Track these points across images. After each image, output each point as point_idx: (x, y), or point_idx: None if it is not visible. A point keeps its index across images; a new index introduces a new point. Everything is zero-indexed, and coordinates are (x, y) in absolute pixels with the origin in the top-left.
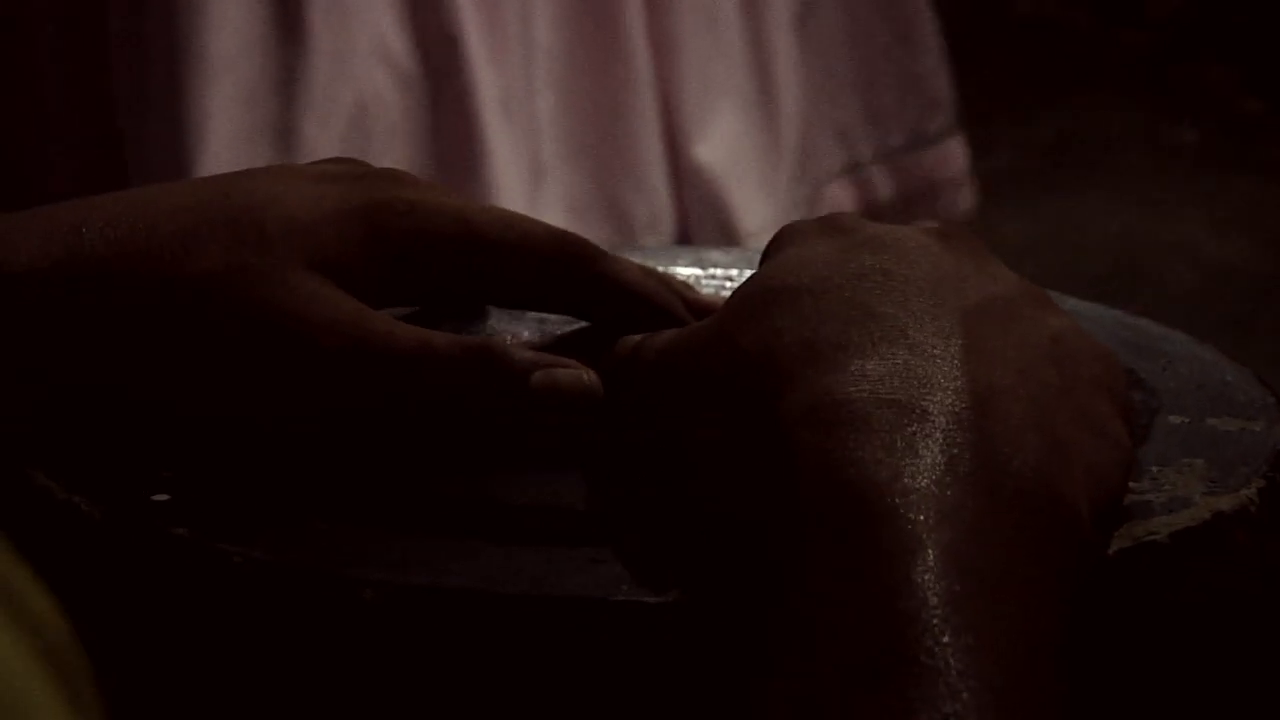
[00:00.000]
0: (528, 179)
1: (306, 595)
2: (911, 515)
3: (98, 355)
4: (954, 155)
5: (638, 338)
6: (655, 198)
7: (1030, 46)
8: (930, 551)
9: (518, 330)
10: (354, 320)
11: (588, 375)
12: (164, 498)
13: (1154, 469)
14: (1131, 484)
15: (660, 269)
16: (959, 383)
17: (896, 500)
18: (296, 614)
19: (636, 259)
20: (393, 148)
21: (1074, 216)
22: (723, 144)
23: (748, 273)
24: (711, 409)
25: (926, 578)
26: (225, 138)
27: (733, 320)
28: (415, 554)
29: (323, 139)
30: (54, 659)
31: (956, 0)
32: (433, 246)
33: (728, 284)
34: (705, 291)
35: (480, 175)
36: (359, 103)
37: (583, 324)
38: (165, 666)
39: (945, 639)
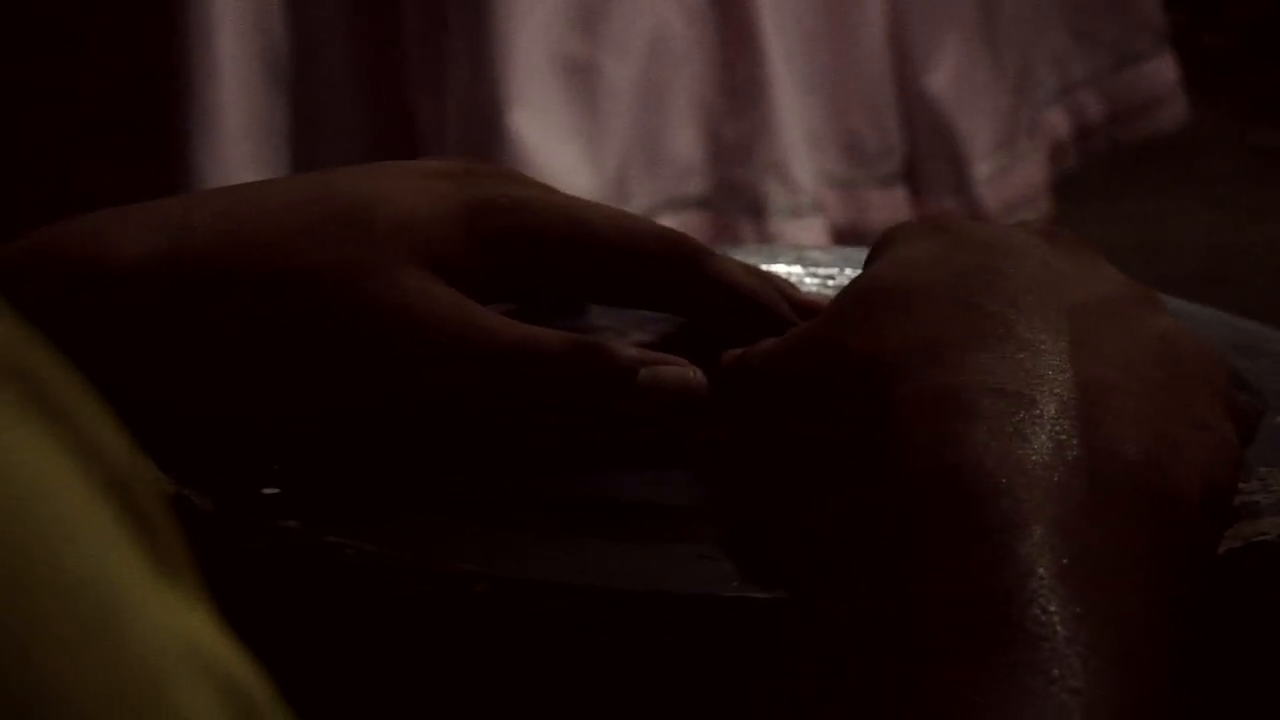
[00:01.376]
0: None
1: (418, 588)
2: (1018, 494)
3: (205, 350)
4: (1161, 72)
5: (740, 350)
6: (886, 127)
7: None
8: (1037, 527)
9: (619, 328)
10: (460, 316)
11: (693, 372)
12: (273, 491)
13: (1261, 470)
14: (1240, 485)
15: (762, 268)
16: (1067, 375)
17: (1004, 480)
18: (408, 607)
19: (739, 257)
20: (682, 77)
21: (1158, 220)
22: (950, 74)
23: (849, 271)
24: (820, 408)
25: (1033, 551)
26: (526, 70)
27: (841, 321)
28: (524, 549)
29: (621, 72)
30: (111, 477)
31: None
32: (538, 243)
33: (829, 283)
34: (807, 290)
35: (764, 102)
36: (654, 36)
37: (685, 322)
38: (274, 658)
39: (1052, 608)
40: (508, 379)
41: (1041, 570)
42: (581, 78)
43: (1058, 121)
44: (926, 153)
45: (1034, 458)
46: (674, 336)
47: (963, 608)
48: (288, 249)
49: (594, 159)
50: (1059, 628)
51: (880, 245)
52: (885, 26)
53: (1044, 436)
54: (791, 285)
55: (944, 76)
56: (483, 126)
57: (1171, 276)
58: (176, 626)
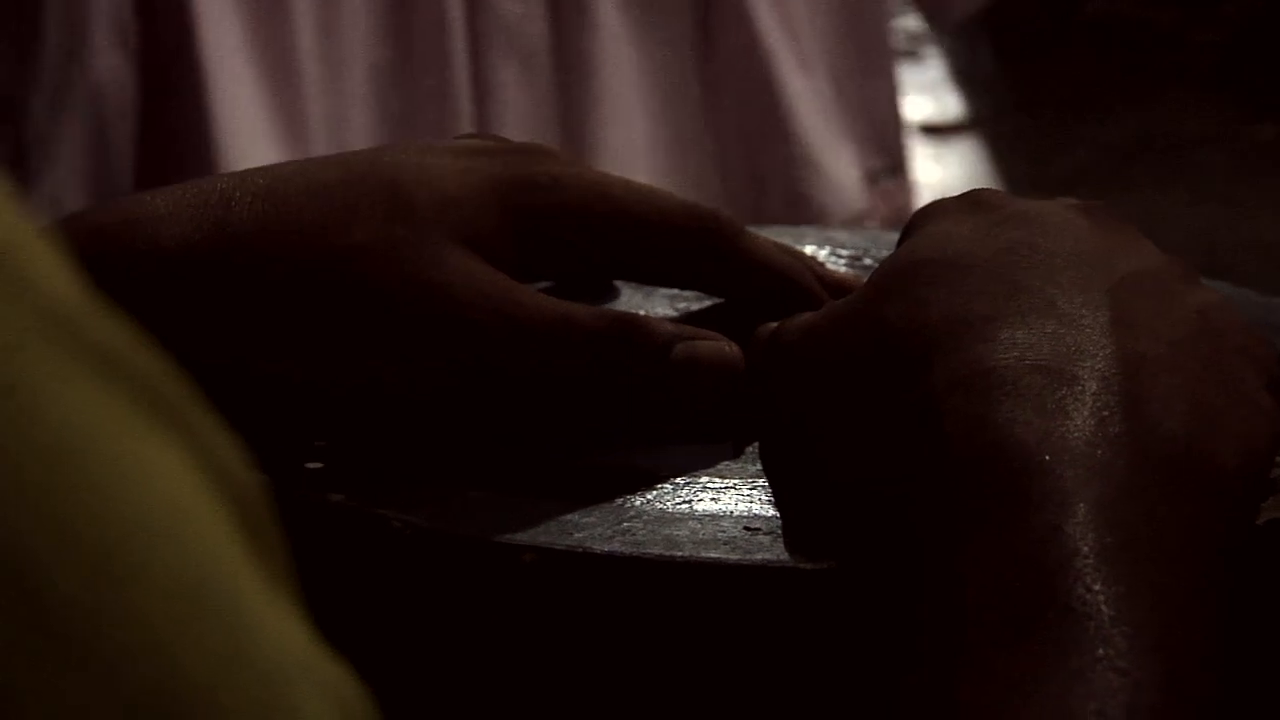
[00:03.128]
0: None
1: (466, 559)
2: (1061, 471)
3: (248, 328)
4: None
5: (776, 323)
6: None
7: (1105, 45)
8: (1080, 505)
9: (651, 308)
10: (501, 293)
11: (729, 347)
12: (317, 466)
13: None
14: (1277, 458)
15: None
16: (1108, 350)
17: (1047, 457)
18: (455, 578)
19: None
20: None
21: (1152, 215)
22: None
23: (875, 251)
24: (859, 383)
25: (1077, 529)
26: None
27: (878, 296)
28: (569, 520)
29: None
30: (228, 489)
31: (1031, 1)
32: (574, 220)
33: (854, 264)
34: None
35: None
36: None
37: (714, 302)
38: (322, 632)
39: (1096, 587)
40: (548, 355)
41: (1086, 549)
42: None
43: None
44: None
45: (1076, 435)
46: (703, 315)
47: (1008, 587)
48: (329, 228)
49: None
50: (1104, 607)
51: (917, 220)
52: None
53: (1086, 413)
54: (820, 263)
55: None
56: None
57: None
58: (293, 638)
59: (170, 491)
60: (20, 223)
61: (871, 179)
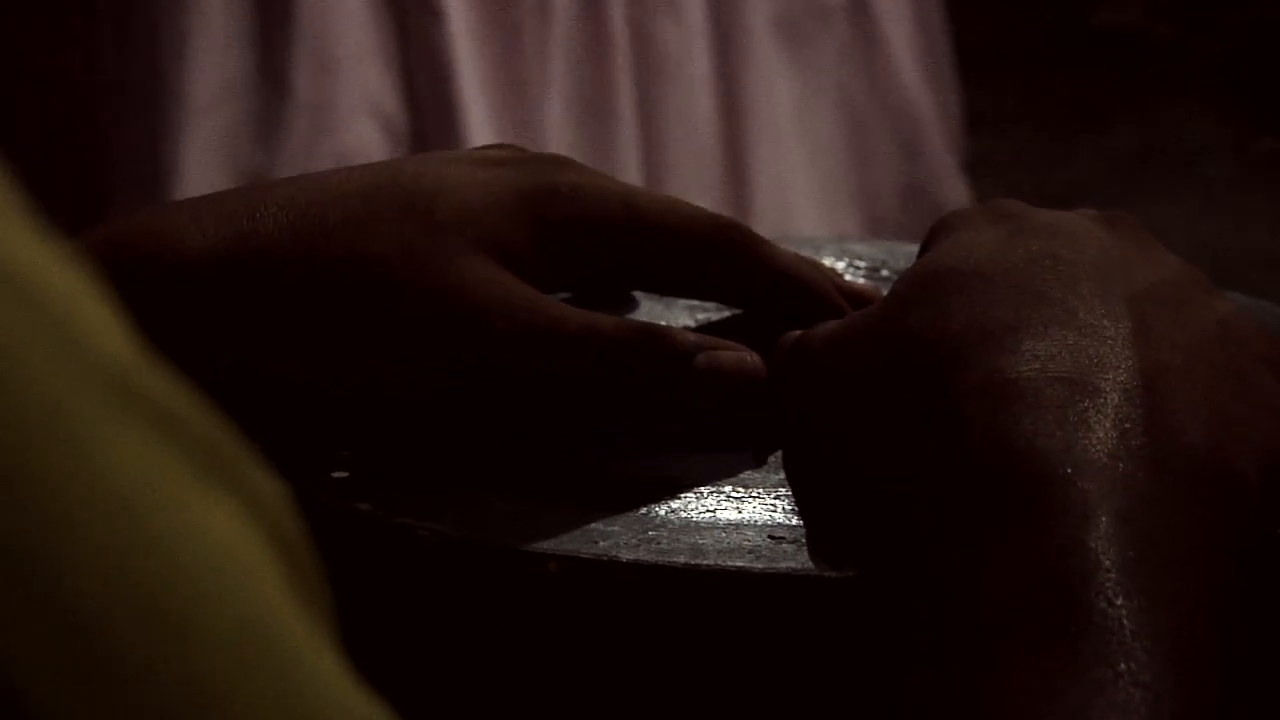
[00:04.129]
0: None
1: (491, 568)
2: (1083, 483)
3: (271, 337)
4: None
5: (799, 332)
6: None
7: (1109, 56)
8: (1103, 517)
9: (671, 318)
10: (523, 303)
11: (751, 357)
12: (343, 475)
13: None
14: None
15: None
16: (1130, 362)
17: (1069, 469)
18: (481, 586)
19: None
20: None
21: (1155, 226)
22: None
23: (892, 263)
24: (881, 393)
25: (1099, 542)
26: (200, 182)
27: (901, 305)
28: (594, 529)
29: None
30: (280, 542)
31: (1035, 11)
32: (596, 230)
33: (873, 275)
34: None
35: None
36: (341, 154)
37: (732, 313)
38: (348, 639)
39: (1118, 601)
40: (571, 364)
41: (1108, 562)
42: None
43: None
44: None
45: (1098, 446)
46: (723, 326)
47: (1030, 599)
48: (352, 238)
49: None
50: (1125, 620)
51: (938, 230)
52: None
53: (1108, 425)
54: (839, 274)
55: None
56: None
57: None
58: (341, 684)
59: (224, 544)
60: (77, 279)
61: None
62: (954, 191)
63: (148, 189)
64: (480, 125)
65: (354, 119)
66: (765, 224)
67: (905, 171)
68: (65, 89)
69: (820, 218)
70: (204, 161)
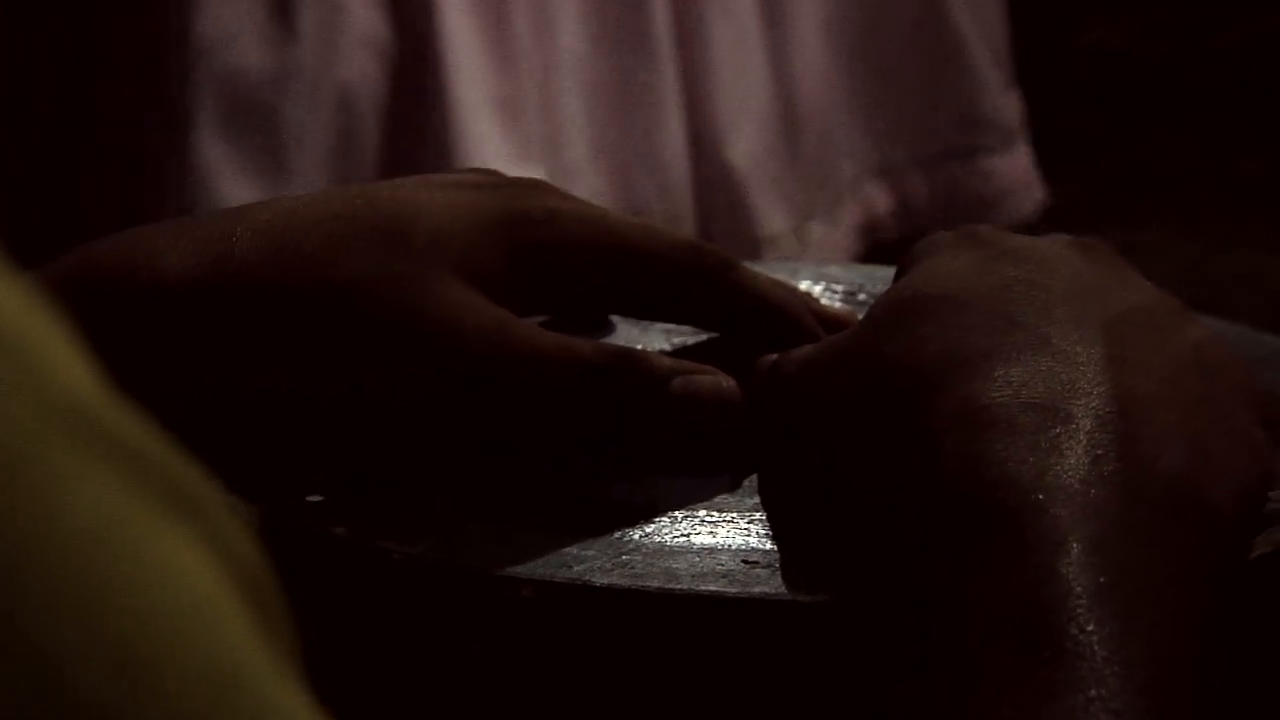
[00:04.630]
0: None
1: (465, 592)
2: (1055, 510)
3: (248, 361)
4: (998, 171)
5: (774, 356)
6: (678, 199)
7: (1095, 77)
8: (1075, 544)
9: (647, 342)
10: (499, 326)
11: (726, 381)
12: (318, 499)
13: None
14: (1269, 493)
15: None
16: (1103, 388)
17: (1041, 496)
18: (455, 611)
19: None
20: (377, 133)
21: (1141, 248)
22: (748, 149)
23: (869, 287)
24: (857, 418)
25: (1071, 569)
26: (211, 125)
27: (876, 331)
28: (567, 553)
29: (310, 122)
30: (244, 578)
31: (1021, 31)
32: (571, 253)
33: (849, 299)
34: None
35: (551, 164)
36: (344, 88)
37: (708, 338)
38: (323, 663)
39: (1090, 627)
40: (546, 388)
41: (1079, 589)
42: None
43: (878, 200)
44: (717, 226)
45: (1070, 473)
46: (699, 350)
47: (1003, 626)
48: (329, 262)
49: None
50: (1097, 647)
51: (913, 256)
52: (682, 96)
53: (1080, 451)
54: (814, 298)
55: (742, 151)
56: None
57: None
58: (305, 717)
59: (191, 583)
60: (36, 315)
61: None
62: (1006, 109)
63: (158, 132)
64: (475, 64)
65: (355, 53)
66: (807, 159)
67: (953, 91)
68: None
69: (868, 146)
70: (214, 105)
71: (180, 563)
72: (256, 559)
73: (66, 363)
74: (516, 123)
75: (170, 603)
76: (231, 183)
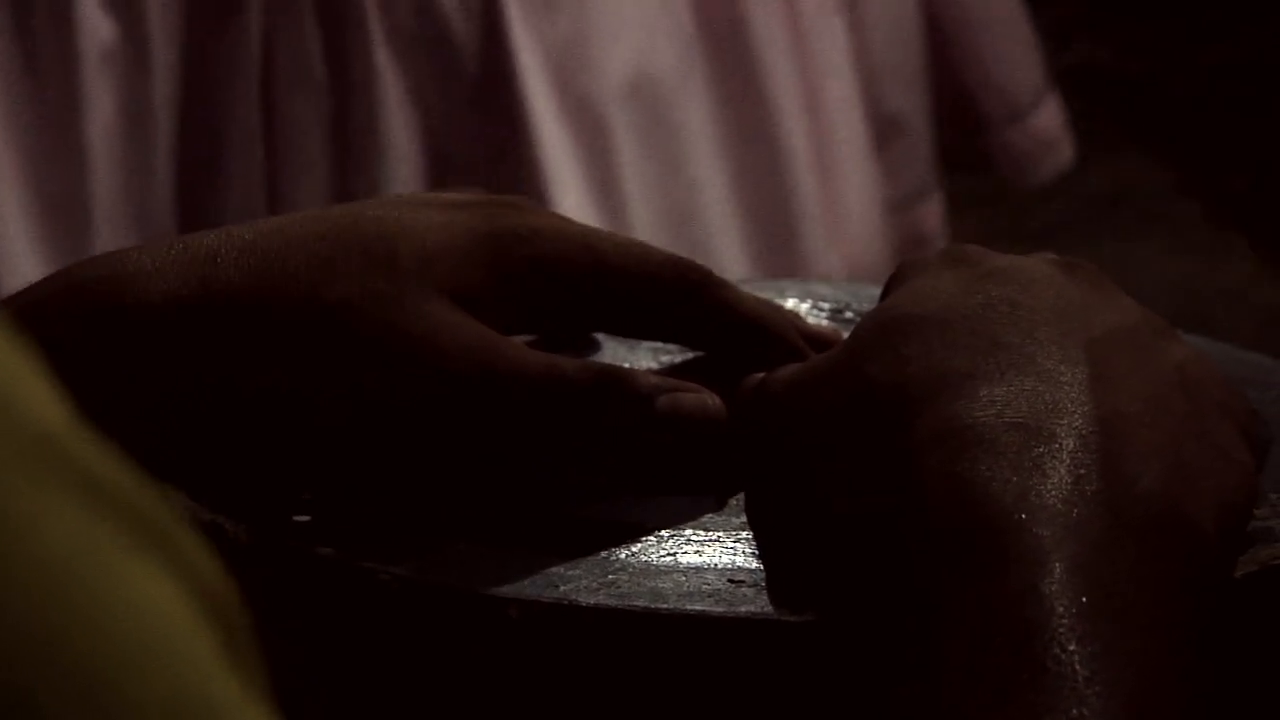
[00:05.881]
0: None
1: (452, 612)
2: (1038, 530)
3: (234, 383)
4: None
5: (760, 375)
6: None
7: (1080, 95)
8: (1057, 564)
9: (634, 360)
10: (484, 345)
11: (712, 399)
12: (305, 519)
13: (1274, 496)
14: (1254, 511)
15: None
16: (1086, 408)
17: (1023, 516)
18: (442, 631)
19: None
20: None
21: (1127, 266)
22: None
23: (856, 305)
24: (842, 437)
25: (1053, 588)
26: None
27: (860, 351)
28: (553, 573)
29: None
30: (211, 606)
31: None
32: (555, 272)
33: (836, 317)
34: (812, 323)
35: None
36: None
37: (694, 356)
38: (310, 683)
39: (1071, 647)
40: (532, 407)
41: (1061, 609)
42: None
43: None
44: None
45: (1053, 493)
46: (685, 368)
47: (986, 646)
48: (314, 282)
49: None
50: (1078, 667)
51: (898, 276)
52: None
53: (1063, 471)
54: (799, 316)
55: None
56: None
57: None
58: None
59: (158, 614)
60: (7, 348)
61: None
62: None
63: None
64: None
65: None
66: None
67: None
68: None
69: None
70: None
71: (148, 593)
72: (224, 588)
73: (34, 394)
74: None
75: (138, 632)
76: None
